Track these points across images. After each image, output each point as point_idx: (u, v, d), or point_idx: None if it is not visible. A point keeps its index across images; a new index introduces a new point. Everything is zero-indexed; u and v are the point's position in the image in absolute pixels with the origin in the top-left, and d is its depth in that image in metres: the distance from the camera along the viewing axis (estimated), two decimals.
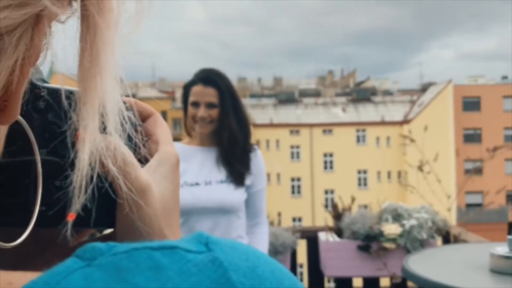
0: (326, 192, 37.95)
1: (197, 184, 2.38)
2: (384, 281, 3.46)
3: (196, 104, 2.37)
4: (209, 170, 2.40)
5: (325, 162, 38.69)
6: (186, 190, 2.35)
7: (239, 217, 2.43)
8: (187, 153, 2.42)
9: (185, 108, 2.44)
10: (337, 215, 3.35)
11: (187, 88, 2.43)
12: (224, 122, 2.39)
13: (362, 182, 38.34)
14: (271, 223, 3.84)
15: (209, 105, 2.35)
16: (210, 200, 2.34)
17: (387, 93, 46.51)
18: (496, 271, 1.89)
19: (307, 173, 38.36)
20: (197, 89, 2.38)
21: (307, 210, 37.24)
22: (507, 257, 1.89)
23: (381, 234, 3.14)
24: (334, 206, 3.42)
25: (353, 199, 3.46)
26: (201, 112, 2.36)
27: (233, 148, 2.41)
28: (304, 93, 46.25)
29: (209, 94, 2.37)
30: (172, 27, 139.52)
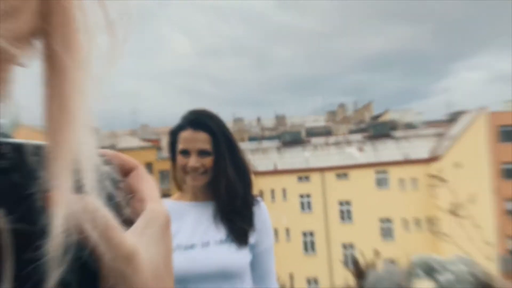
0: (344, 247, 37.71)
1: (192, 246, 2.39)
2: None
3: (186, 152, 2.37)
4: (206, 228, 2.41)
5: (342, 212, 38.59)
6: (180, 254, 2.37)
7: (244, 282, 2.44)
8: (178, 210, 2.44)
9: (173, 158, 2.44)
10: (360, 273, 3.36)
11: (174, 134, 2.43)
12: (220, 172, 2.41)
13: (387, 233, 38.11)
14: (283, 287, 3.84)
15: (201, 153, 2.37)
16: (209, 264, 2.35)
17: (410, 126, 46.79)
18: None
19: (321, 226, 38.18)
20: (186, 134, 2.38)
21: (324, 269, 36.87)
22: None
23: None
24: (355, 263, 3.43)
25: (377, 253, 3.48)
26: (192, 161, 2.37)
27: (232, 202, 2.42)
28: (312, 132, 46.58)
29: (200, 139, 2.38)
30: (154, 64, 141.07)
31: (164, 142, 67.84)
